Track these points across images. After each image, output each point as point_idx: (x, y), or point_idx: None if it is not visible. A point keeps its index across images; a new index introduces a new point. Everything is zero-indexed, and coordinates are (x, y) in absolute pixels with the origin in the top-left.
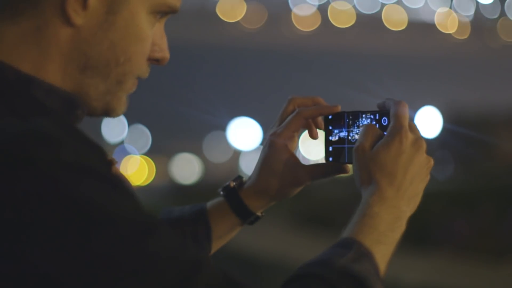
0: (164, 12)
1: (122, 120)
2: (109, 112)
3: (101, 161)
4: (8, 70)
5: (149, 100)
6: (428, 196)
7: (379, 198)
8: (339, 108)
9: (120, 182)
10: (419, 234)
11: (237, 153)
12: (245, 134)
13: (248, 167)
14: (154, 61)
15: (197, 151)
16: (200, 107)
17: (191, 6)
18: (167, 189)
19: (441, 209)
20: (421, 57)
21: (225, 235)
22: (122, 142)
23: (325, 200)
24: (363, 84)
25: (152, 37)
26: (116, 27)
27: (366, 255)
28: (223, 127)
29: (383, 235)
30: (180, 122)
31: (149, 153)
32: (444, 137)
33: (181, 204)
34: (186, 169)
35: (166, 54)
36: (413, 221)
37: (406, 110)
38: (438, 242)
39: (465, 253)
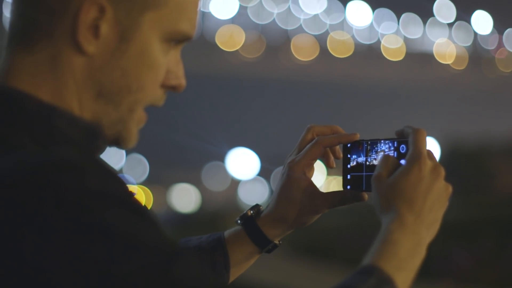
0: (178, 40)
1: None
2: (120, 142)
3: (124, 190)
4: (29, 100)
5: (148, 129)
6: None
7: (399, 224)
8: (358, 136)
9: (144, 211)
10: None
11: (234, 182)
12: (243, 164)
13: (245, 196)
14: (170, 88)
15: (195, 180)
16: (199, 136)
17: None
18: (164, 217)
19: (441, 239)
20: (419, 87)
21: (243, 263)
22: (120, 171)
23: (325, 230)
24: (361, 113)
25: (166, 65)
26: (129, 55)
27: (387, 282)
28: (221, 158)
29: (403, 261)
30: (178, 152)
31: (147, 183)
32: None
33: (181, 231)
34: (184, 198)
35: (182, 81)
36: None
37: (425, 138)
38: (438, 273)
39: (465, 284)
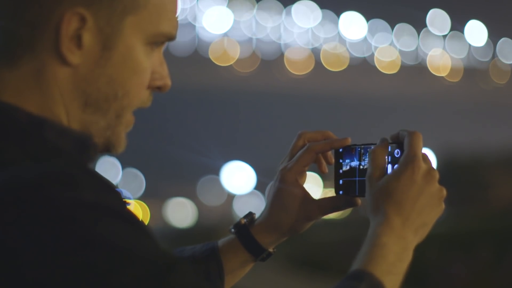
0: (160, 41)
1: (115, 163)
2: (110, 149)
3: (118, 201)
4: (19, 113)
5: (143, 143)
6: (424, 239)
7: (386, 228)
8: (349, 141)
9: (138, 222)
10: (415, 277)
11: (230, 197)
12: (239, 178)
13: (242, 210)
14: (155, 89)
15: (191, 195)
16: (194, 150)
17: (183, 49)
18: (161, 232)
19: (438, 251)
20: (413, 100)
21: (237, 272)
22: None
23: (320, 243)
24: (356, 126)
25: (150, 67)
26: (113, 62)
27: (378, 286)
28: (216, 171)
29: (392, 265)
30: (174, 166)
31: (143, 197)
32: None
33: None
34: (181, 212)
35: (167, 81)
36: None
37: (420, 140)
38: (434, 284)
39: None
